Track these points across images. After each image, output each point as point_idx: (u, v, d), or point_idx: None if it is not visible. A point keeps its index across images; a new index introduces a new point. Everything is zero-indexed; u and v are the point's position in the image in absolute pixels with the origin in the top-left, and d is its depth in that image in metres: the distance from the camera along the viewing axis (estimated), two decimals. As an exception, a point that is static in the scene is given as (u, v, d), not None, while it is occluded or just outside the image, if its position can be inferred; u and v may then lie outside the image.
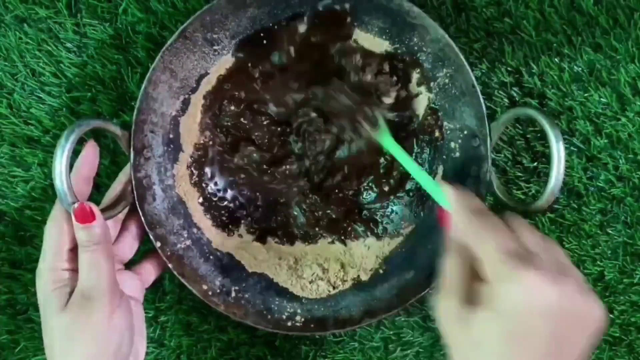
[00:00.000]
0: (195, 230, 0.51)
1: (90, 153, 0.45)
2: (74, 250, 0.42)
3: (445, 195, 0.39)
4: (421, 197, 0.52)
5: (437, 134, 0.50)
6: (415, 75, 0.50)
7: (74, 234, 0.41)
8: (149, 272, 0.49)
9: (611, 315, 0.52)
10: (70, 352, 0.40)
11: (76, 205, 0.41)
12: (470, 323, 0.34)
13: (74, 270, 0.42)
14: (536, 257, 0.33)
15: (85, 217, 0.41)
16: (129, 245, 0.48)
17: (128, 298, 0.45)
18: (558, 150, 0.41)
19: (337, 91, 0.48)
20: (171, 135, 0.49)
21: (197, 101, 0.50)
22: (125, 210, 0.47)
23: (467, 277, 0.35)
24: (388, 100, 0.50)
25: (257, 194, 0.53)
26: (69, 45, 0.50)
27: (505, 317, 0.32)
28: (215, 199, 0.52)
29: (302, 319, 0.50)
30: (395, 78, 0.50)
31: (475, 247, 0.35)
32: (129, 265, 0.48)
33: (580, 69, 0.50)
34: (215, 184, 0.52)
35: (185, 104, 0.49)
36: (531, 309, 0.32)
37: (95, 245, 0.41)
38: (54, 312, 0.41)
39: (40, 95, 0.51)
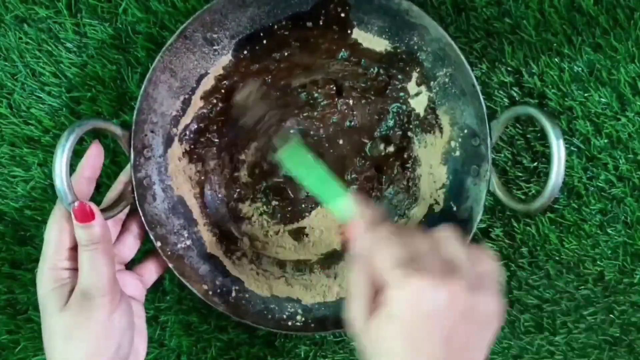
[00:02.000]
0: (195, 230, 0.51)
1: (94, 154, 0.45)
2: (74, 249, 0.42)
3: (351, 207, 0.40)
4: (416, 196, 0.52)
5: (437, 133, 0.50)
6: (415, 75, 0.50)
7: (75, 233, 0.41)
8: (150, 272, 0.49)
9: (611, 315, 0.52)
10: (69, 351, 0.40)
11: (76, 204, 0.41)
12: (370, 328, 0.35)
13: (75, 270, 0.42)
14: (424, 262, 0.34)
15: (85, 217, 0.41)
16: (130, 245, 0.47)
17: (128, 298, 0.45)
18: (558, 149, 0.41)
19: None
20: (171, 135, 0.49)
21: (197, 101, 0.50)
22: (126, 211, 0.47)
23: (371, 286, 0.35)
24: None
25: (256, 192, 0.53)
26: (69, 45, 0.50)
27: (399, 321, 0.33)
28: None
29: (303, 319, 0.50)
30: (386, 77, 0.50)
31: (372, 257, 0.36)
32: (130, 266, 0.48)
33: (580, 69, 0.50)
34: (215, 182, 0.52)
35: (186, 103, 0.49)
36: (420, 311, 0.33)
37: (95, 245, 0.41)
38: (54, 311, 0.41)
39: (40, 95, 0.51)
